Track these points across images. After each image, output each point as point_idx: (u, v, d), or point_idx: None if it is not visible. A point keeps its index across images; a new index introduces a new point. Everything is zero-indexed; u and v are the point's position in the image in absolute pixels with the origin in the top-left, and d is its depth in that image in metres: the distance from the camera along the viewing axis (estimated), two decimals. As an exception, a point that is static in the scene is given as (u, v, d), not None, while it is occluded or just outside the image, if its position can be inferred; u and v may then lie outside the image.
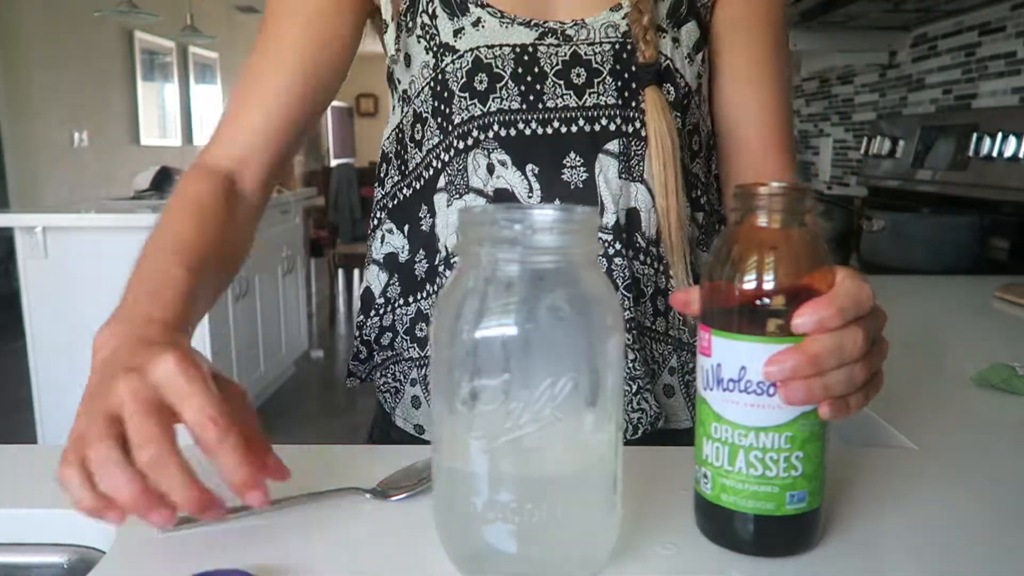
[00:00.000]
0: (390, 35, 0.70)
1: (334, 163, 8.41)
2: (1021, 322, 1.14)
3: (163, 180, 3.56)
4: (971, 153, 1.66)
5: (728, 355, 0.44)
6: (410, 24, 0.69)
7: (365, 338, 0.76)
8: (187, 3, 5.28)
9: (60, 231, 2.73)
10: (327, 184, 5.15)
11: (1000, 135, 1.58)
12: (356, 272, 5.06)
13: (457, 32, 0.67)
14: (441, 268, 0.70)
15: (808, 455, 0.44)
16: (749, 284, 0.43)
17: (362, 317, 0.77)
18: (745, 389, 0.43)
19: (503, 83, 0.66)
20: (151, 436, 0.41)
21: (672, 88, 0.68)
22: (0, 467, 0.60)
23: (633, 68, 0.67)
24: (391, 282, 0.75)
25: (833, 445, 0.49)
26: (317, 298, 5.38)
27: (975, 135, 1.65)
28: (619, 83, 0.66)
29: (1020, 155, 1.52)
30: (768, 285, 0.43)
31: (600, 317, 0.41)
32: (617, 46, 0.67)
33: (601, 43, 0.67)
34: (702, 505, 0.48)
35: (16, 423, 3.30)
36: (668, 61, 0.68)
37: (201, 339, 2.82)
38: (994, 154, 1.59)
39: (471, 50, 0.66)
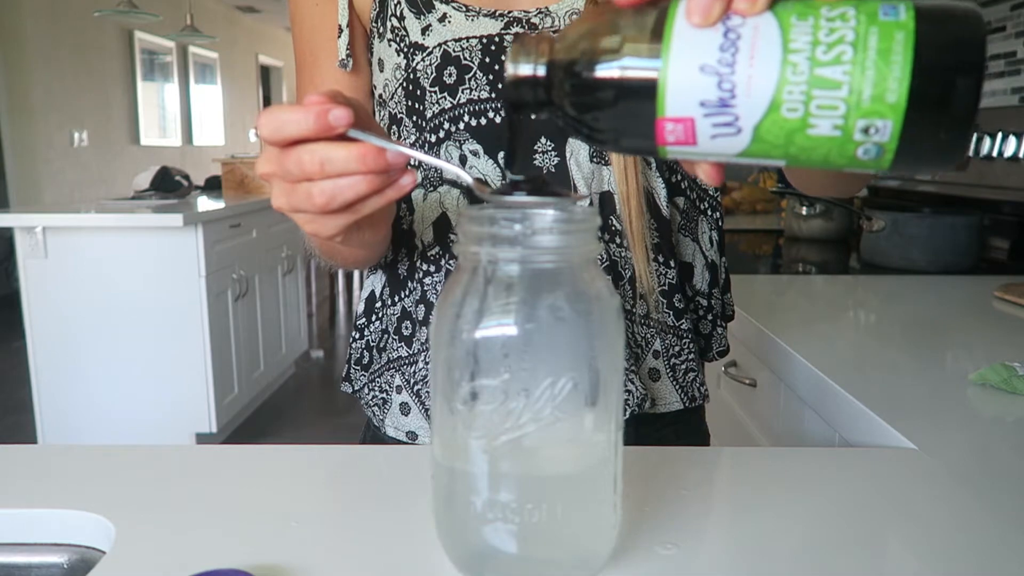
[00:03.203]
0: (342, 40, 0.71)
1: (334, 163, 8.38)
2: (1021, 322, 1.14)
3: (163, 180, 3.56)
4: (971, 153, 1.66)
5: None
6: (381, 29, 0.71)
7: (372, 343, 0.77)
8: (187, 3, 5.28)
9: (60, 231, 2.73)
10: (327, 184, 5.14)
11: (1000, 135, 1.58)
12: (356, 272, 5.06)
13: (425, 30, 0.68)
14: (418, 263, 0.72)
15: None
16: None
17: (364, 320, 0.77)
18: None
19: (471, 74, 0.67)
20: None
21: None
22: (0, 467, 0.60)
23: None
24: (384, 284, 0.76)
25: (833, 445, 0.49)
26: (317, 298, 5.38)
27: (975, 135, 1.65)
28: None
29: (1020, 155, 1.52)
30: None
31: (600, 317, 0.41)
32: None
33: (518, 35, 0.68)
34: None
35: (16, 423, 3.31)
36: None
37: (201, 339, 2.82)
38: (994, 154, 1.59)
39: (439, 45, 0.67)
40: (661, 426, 0.73)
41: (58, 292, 2.76)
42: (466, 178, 0.48)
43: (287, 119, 0.44)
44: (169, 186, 3.55)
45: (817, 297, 1.40)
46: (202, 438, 2.92)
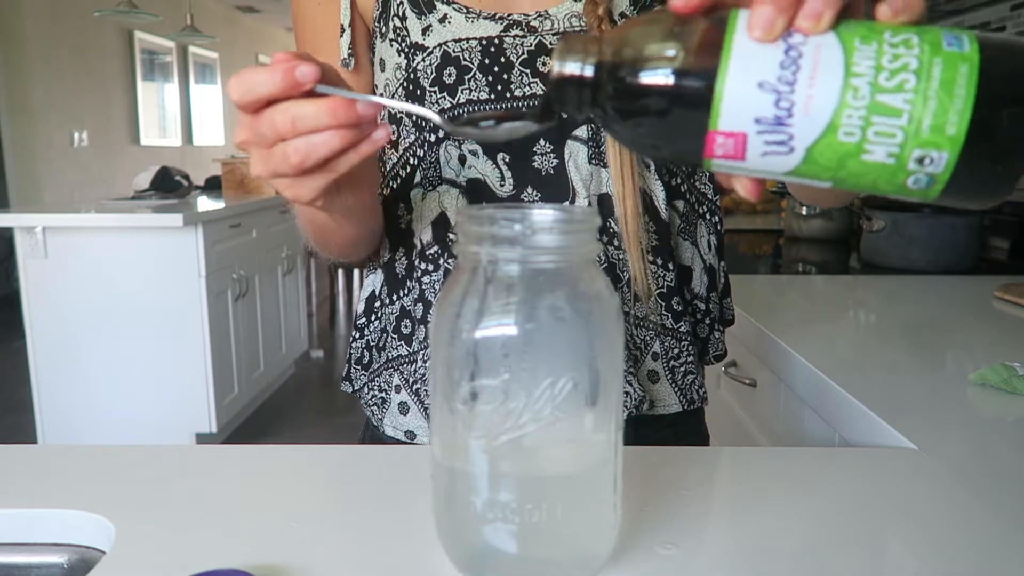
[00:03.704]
0: (344, 39, 0.71)
1: (334, 163, 8.38)
2: (1021, 322, 1.14)
3: (163, 180, 3.56)
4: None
5: None
6: (383, 29, 0.71)
7: (371, 343, 0.77)
8: (187, 3, 5.28)
9: (60, 231, 2.73)
10: (327, 184, 5.14)
11: (1000, 135, 1.58)
12: (356, 272, 5.06)
13: (425, 30, 0.68)
14: (417, 261, 0.72)
15: None
16: None
17: (364, 320, 0.77)
18: None
19: (471, 75, 0.67)
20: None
21: None
22: (0, 467, 0.60)
23: None
24: (382, 284, 0.76)
25: (833, 445, 0.49)
26: (317, 298, 5.38)
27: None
28: None
29: (1020, 155, 1.52)
30: None
31: (600, 317, 0.41)
32: (582, 34, 0.67)
33: (565, 32, 0.68)
34: None
35: (16, 423, 3.31)
36: None
37: (201, 339, 2.82)
38: (994, 154, 1.59)
39: (439, 45, 0.68)
40: (660, 427, 0.73)
41: (58, 292, 2.76)
42: (433, 117, 0.48)
43: (256, 80, 0.44)
44: (169, 186, 3.55)
45: (817, 297, 1.40)
46: (202, 438, 2.92)
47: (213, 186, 3.87)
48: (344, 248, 0.71)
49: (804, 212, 2.04)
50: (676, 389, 0.73)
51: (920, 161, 0.34)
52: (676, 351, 0.73)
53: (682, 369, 0.73)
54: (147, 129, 6.85)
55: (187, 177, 3.72)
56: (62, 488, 0.56)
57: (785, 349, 0.99)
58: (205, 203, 3.18)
